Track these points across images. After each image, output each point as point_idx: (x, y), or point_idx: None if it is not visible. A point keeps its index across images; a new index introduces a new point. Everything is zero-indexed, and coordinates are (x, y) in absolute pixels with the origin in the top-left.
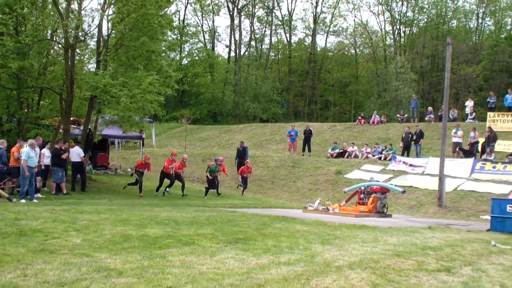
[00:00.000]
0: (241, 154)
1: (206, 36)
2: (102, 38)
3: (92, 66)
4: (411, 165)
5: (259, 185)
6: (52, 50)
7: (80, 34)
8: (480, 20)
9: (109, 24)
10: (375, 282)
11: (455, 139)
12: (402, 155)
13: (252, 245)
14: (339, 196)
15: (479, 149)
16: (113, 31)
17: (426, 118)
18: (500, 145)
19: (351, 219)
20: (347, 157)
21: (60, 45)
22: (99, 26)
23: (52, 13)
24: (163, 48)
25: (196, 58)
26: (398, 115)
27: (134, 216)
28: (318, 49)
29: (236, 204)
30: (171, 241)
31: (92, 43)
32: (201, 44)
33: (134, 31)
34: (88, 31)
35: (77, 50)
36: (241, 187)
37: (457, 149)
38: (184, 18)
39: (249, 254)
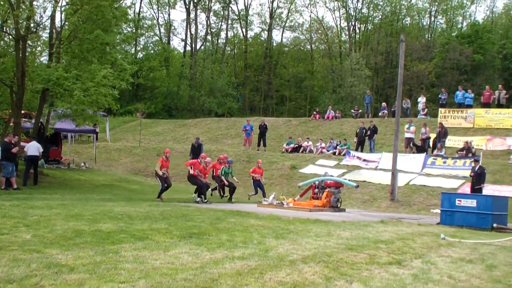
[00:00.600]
0: (196, 151)
1: (162, 30)
2: (55, 30)
3: (44, 59)
4: (364, 160)
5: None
6: (2, 41)
7: (32, 25)
8: (432, 18)
9: (62, 15)
10: (328, 275)
11: (407, 135)
12: (356, 150)
13: (206, 240)
14: (294, 190)
15: (431, 144)
16: (66, 23)
17: (379, 114)
18: (451, 141)
19: (305, 213)
20: (302, 152)
21: (10, 36)
22: (52, 17)
23: (2, 2)
24: (118, 41)
25: (152, 51)
26: (352, 111)
27: (87, 211)
28: (274, 44)
29: (190, 198)
30: (124, 236)
31: (45, 35)
32: (157, 38)
33: (88, 23)
34: (40, 22)
35: (28, 41)
36: (253, 195)
37: (410, 145)
38: (139, 11)
39: (203, 248)
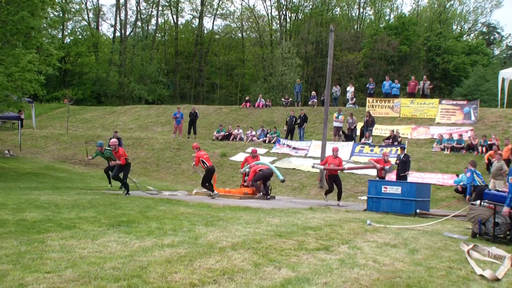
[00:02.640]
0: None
1: (90, 15)
2: None
3: None
4: (294, 148)
5: (144, 167)
6: None
7: None
8: (361, 9)
9: None
10: (257, 262)
11: (336, 124)
12: (286, 138)
13: (135, 228)
14: (224, 178)
15: (358, 133)
16: None
17: (309, 103)
18: (378, 129)
19: (235, 201)
20: (232, 140)
21: None
22: None
23: None
24: (44, 25)
25: (80, 37)
26: (283, 99)
27: (10, 200)
28: (205, 31)
29: (119, 186)
30: (50, 225)
31: None
32: (85, 23)
33: (12, 5)
34: None
35: None
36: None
37: (340, 133)
38: None
39: (132, 237)
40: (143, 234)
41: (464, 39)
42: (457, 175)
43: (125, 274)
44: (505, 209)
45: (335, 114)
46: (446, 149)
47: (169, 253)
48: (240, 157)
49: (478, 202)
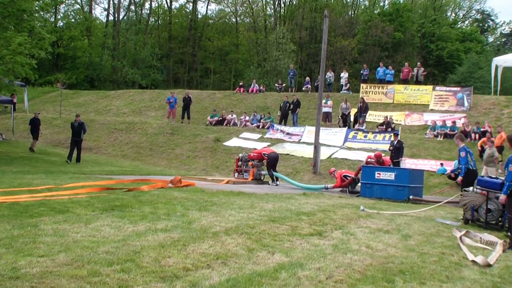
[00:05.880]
0: (77, 132)
1: None
2: None
3: None
4: (288, 133)
5: (137, 152)
6: None
7: None
8: None
9: None
10: (250, 247)
11: (325, 109)
12: (280, 123)
13: (128, 212)
14: (218, 163)
15: (352, 119)
16: None
17: (303, 88)
18: (371, 116)
19: (229, 186)
20: (226, 125)
21: None
22: None
23: None
24: (36, 8)
25: (73, 20)
26: (276, 85)
27: (3, 184)
28: (199, 16)
29: (113, 171)
30: (43, 209)
31: None
32: (78, 6)
33: None
34: None
35: None
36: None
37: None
38: None
39: (125, 221)
40: (136, 219)
41: (458, 26)
42: (441, 164)
43: (119, 258)
44: (502, 196)
45: (324, 100)
46: (439, 136)
47: (163, 237)
48: (233, 142)
49: (470, 188)
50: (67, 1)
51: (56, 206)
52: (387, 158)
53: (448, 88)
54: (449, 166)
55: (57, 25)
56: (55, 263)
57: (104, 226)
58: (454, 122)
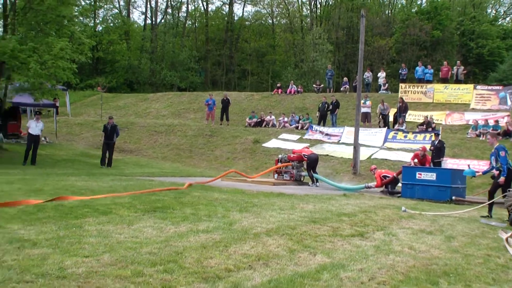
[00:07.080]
0: (109, 134)
1: (121, 3)
2: (9, 0)
3: None
4: (327, 134)
5: (177, 154)
6: None
7: None
8: None
9: None
10: (292, 247)
11: (364, 109)
12: (319, 124)
13: (170, 214)
14: (257, 164)
15: (391, 119)
16: None
17: (341, 89)
18: (411, 115)
19: (269, 187)
20: (265, 126)
21: None
22: None
23: None
24: (76, 13)
25: (111, 24)
26: (314, 85)
27: (48, 186)
28: (236, 18)
29: (153, 172)
30: (87, 211)
31: None
32: (116, 11)
33: None
34: None
35: None
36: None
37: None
38: None
39: (167, 222)
40: (178, 220)
41: (499, 23)
42: (468, 166)
43: (161, 259)
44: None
45: (362, 100)
46: (481, 135)
47: (204, 238)
48: (273, 143)
49: None
50: (105, 6)
51: (99, 208)
52: (429, 156)
53: (489, 87)
54: (475, 167)
55: (96, 30)
56: (100, 263)
57: (147, 227)
58: (496, 121)
